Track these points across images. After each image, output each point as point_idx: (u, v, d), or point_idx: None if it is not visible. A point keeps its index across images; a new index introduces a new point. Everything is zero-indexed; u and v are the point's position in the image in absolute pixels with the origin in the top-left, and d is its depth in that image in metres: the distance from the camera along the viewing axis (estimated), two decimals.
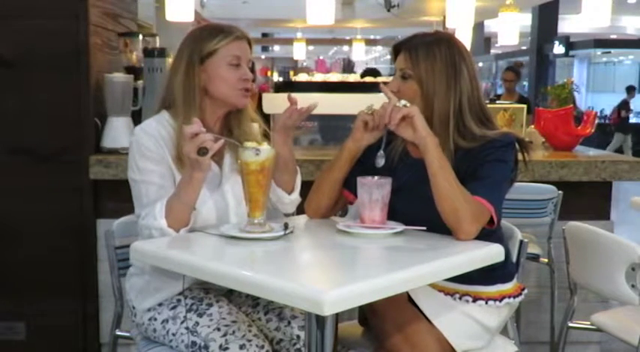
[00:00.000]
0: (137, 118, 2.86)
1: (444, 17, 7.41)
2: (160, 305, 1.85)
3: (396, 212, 1.79)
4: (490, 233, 1.77)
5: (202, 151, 1.64)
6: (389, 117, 1.71)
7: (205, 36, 1.89)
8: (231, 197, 1.90)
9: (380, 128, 1.81)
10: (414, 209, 1.79)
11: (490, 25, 14.64)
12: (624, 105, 13.16)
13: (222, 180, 1.91)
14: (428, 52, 1.81)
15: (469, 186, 1.73)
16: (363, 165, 1.87)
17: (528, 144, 1.89)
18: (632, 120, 14.75)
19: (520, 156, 1.86)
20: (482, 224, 1.72)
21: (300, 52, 14.90)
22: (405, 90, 1.81)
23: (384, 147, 1.82)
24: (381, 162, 1.81)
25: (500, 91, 8.11)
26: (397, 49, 1.89)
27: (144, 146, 1.83)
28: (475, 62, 1.91)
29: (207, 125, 1.82)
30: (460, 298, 1.81)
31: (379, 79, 3.79)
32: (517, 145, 1.84)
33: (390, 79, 2.03)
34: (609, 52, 16.56)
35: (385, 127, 1.80)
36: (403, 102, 1.71)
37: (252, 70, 2.00)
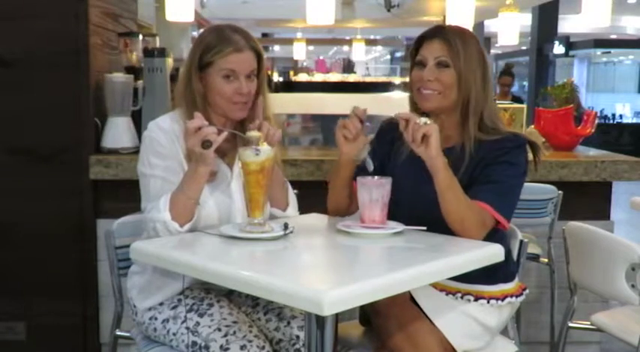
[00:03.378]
0: (137, 118, 2.86)
1: (444, 17, 7.40)
2: (160, 304, 1.85)
3: (396, 212, 1.79)
4: (493, 232, 1.79)
5: (206, 144, 1.65)
6: (411, 136, 1.71)
7: (206, 44, 1.87)
8: (238, 198, 1.89)
9: (359, 136, 1.81)
10: (416, 208, 1.80)
11: (490, 25, 14.60)
12: None
13: (231, 181, 1.90)
14: (465, 43, 1.83)
15: (479, 188, 1.76)
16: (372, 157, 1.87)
17: (539, 147, 1.90)
18: (633, 120, 14.76)
19: (531, 158, 1.88)
20: (487, 228, 1.76)
21: (300, 52, 14.89)
22: (443, 79, 1.82)
23: (370, 151, 1.84)
24: (370, 166, 1.81)
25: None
26: (428, 37, 1.87)
27: (156, 141, 1.83)
28: None
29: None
30: (462, 297, 1.81)
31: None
32: (528, 147, 1.86)
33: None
34: (609, 52, 16.54)
35: (368, 131, 1.83)
36: (424, 119, 1.71)
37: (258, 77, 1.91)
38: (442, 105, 1.84)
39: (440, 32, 1.86)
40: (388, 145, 1.96)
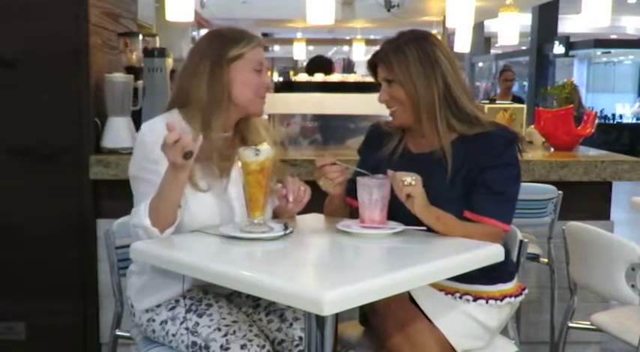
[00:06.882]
0: (137, 118, 2.86)
1: (444, 17, 7.41)
2: (158, 306, 1.84)
3: (397, 209, 1.79)
4: None
5: (188, 155, 1.62)
6: (400, 193, 1.76)
7: (230, 39, 1.86)
8: (236, 202, 1.87)
9: (340, 179, 1.87)
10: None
11: (490, 25, 14.62)
12: None
13: (227, 186, 1.88)
14: (398, 54, 1.87)
15: (481, 199, 1.79)
16: (363, 167, 1.89)
17: (522, 138, 1.93)
18: (633, 120, 14.77)
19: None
20: (500, 239, 1.79)
21: (300, 52, 14.89)
22: (394, 95, 1.88)
23: (359, 163, 1.94)
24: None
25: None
26: (373, 64, 1.95)
27: (148, 144, 1.80)
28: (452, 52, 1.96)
29: (224, 129, 1.85)
30: (461, 297, 1.82)
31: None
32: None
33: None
34: (609, 52, 16.53)
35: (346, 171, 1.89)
36: (409, 180, 1.73)
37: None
38: (408, 118, 1.88)
39: (378, 55, 1.93)
40: (379, 149, 1.97)
